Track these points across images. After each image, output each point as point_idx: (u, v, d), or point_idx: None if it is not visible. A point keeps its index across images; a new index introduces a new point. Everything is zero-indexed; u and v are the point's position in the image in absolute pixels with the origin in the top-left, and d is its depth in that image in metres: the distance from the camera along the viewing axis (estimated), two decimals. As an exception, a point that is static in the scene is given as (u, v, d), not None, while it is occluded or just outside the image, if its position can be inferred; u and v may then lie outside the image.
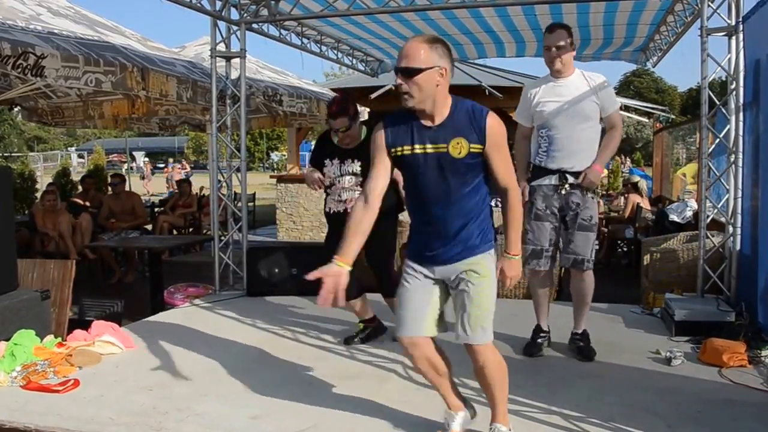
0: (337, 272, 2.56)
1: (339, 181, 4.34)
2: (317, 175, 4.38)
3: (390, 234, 4.40)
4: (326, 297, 2.52)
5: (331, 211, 4.41)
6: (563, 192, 4.01)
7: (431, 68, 2.53)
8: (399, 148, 2.67)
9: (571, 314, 4.24)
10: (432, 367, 2.84)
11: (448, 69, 2.58)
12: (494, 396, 2.84)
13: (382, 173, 2.72)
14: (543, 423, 3.06)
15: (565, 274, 6.19)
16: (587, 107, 3.97)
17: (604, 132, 4.10)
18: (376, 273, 4.38)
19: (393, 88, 11.62)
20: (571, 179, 4.00)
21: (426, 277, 2.79)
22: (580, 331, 4.19)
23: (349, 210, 4.22)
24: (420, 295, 2.79)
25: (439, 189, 2.66)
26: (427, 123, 2.64)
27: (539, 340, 4.21)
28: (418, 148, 2.64)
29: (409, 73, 2.53)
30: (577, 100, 3.96)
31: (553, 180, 4.03)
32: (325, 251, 4.48)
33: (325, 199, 4.49)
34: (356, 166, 4.28)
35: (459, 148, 2.60)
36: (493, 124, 2.61)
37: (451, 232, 2.69)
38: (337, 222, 4.32)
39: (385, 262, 4.39)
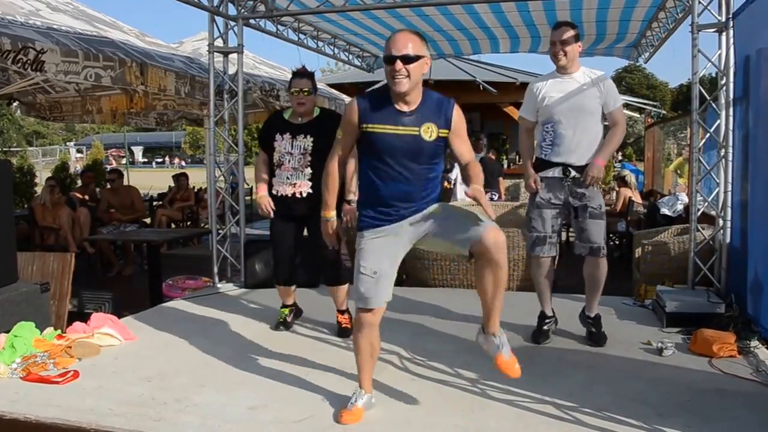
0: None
1: (288, 160, 4.31)
2: (267, 200, 4.41)
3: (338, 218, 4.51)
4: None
5: (279, 194, 4.37)
6: (567, 183, 4.08)
7: (424, 57, 2.86)
8: (371, 125, 2.93)
9: (565, 305, 4.32)
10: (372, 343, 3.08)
11: (429, 62, 2.92)
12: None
13: (348, 145, 3.06)
14: (535, 412, 3.10)
15: (559, 266, 6.26)
16: (590, 103, 4.03)
17: (605, 130, 4.15)
18: (325, 259, 4.37)
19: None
20: (573, 172, 4.06)
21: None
22: (593, 315, 4.23)
23: (297, 195, 4.27)
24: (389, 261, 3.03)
25: (405, 167, 2.92)
26: (401, 108, 2.92)
27: (545, 327, 4.25)
28: (389, 128, 2.90)
29: (410, 60, 2.80)
30: (580, 96, 4.02)
31: (556, 172, 4.10)
32: (272, 237, 4.53)
33: (271, 181, 4.44)
34: (308, 142, 4.28)
35: (429, 132, 2.90)
36: (458, 113, 2.97)
37: (413, 199, 2.97)
38: (283, 206, 4.38)
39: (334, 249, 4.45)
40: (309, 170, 4.30)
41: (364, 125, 2.93)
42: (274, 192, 4.40)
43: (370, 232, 3.00)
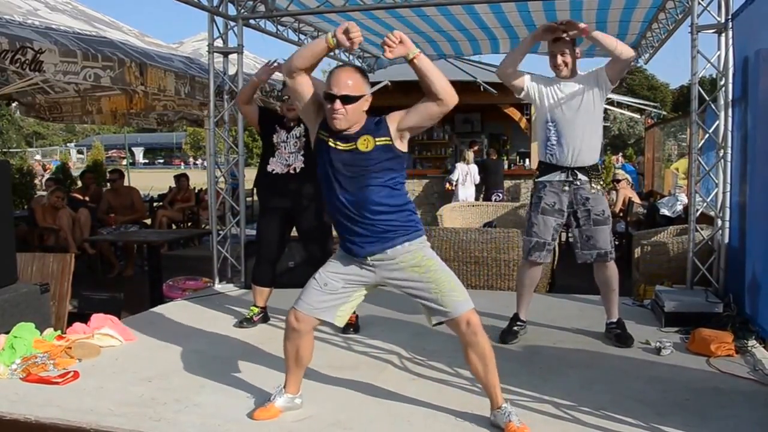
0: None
1: (285, 147, 4.61)
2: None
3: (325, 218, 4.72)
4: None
5: (274, 171, 4.62)
6: (572, 188, 4.09)
7: (364, 96, 2.85)
8: (324, 132, 2.94)
9: (565, 305, 4.31)
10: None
11: (370, 97, 2.91)
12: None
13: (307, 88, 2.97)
14: (535, 411, 3.12)
15: (558, 266, 6.28)
16: (592, 100, 4.05)
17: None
18: (320, 259, 4.36)
19: (389, 84, 11.69)
20: (580, 175, 4.08)
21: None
22: (615, 320, 4.26)
23: (291, 172, 4.57)
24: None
25: (348, 182, 2.89)
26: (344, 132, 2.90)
27: (515, 328, 4.29)
28: (331, 142, 2.91)
29: (350, 100, 2.80)
30: (580, 97, 4.04)
31: (562, 176, 4.11)
32: (258, 237, 4.76)
33: (268, 161, 4.67)
34: (301, 130, 4.57)
35: (366, 143, 2.87)
36: (391, 116, 2.90)
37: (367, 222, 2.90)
38: (277, 180, 4.63)
39: (325, 244, 4.63)
40: (302, 152, 4.58)
41: (321, 131, 2.96)
42: (270, 170, 4.64)
43: (342, 252, 3.05)
